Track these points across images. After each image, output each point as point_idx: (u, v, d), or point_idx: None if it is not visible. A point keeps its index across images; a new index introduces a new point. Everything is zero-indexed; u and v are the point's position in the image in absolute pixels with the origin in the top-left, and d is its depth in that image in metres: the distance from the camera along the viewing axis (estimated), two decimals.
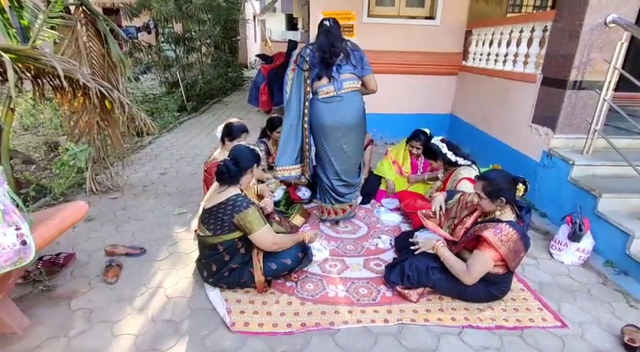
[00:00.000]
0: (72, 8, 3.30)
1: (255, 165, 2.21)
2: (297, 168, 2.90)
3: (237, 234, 2.06)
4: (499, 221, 1.98)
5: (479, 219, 2.15)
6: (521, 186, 1.98)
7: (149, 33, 10.67)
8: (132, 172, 4.11)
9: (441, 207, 2.38)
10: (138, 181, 3.89)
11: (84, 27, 3.27)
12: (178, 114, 7.01)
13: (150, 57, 7.50)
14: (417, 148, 3.42)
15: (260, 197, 2.61)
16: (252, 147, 2.24)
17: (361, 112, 2.75)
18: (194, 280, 2.31)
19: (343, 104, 2.65)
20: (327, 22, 2.71)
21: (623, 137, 3.24)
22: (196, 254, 2.27)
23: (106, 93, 2.84)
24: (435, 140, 2.84)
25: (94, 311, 2.04)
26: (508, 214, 2.02)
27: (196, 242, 2.46)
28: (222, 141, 2.87)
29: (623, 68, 2.85)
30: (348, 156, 2.74)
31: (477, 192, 2.06)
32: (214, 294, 2.15)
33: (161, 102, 7.47)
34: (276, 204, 2.99)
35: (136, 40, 7.46)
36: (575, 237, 2.56)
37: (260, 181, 3.16)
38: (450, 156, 2.74)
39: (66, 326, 1.93)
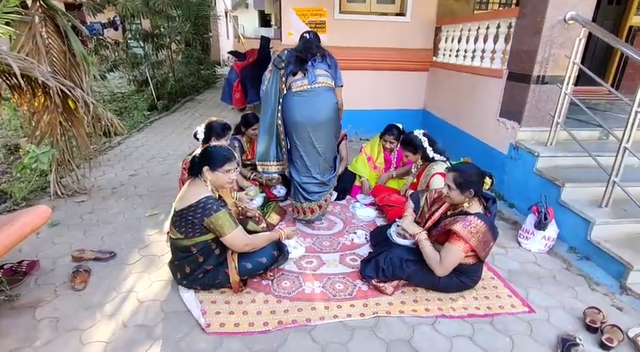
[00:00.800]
0: (29, 3, 3.14)
1: (208, 167, 2.01)
2: (277, 165, 2.92)
3: (210, 236, 2.02)
4: (467, 213, 2.04)
5: (448, 212, 2.21)
6: (488, 180, 2.06)
7: (115, 29, 10.25)
8: (100, 174, 3.96)
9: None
10: (106, 183, 3.75)
11: (42, 23, 3.11)
12: (149, 113, 6.80)
13: (117, 54, 7.22)
14: (390, 142, 3.47)
15: (240, 210, 2.56)
16: (223, 148, 2.14)
17: (333, 109, 2.76)
18: (167, 283, 2.26)
19: (316, 99, 2.67)
20: (307, 35, 2.83)
21: (584, 129, 3.40)
22: (169, 256, 2.22)
23: (68, 91, 2.71)
24: (418, 133, 2.86)
25: (61, 319, 1.96)
26: (476, 206, 2.09)
27: (169, 244, 2.40)
28: (207, 140, 2.79)
29: (582, 63, 2.99)
30: (318, 152, 2.74)
31: (447, 184, 2.10)
32: (188, 296, 2.11)
33: (130, 101, 7.24)
34: None
35: (101, 37, 7.15)
36: (541, 225, 2.68)
37: (240, 188, 3.13)
38: (429, 151, 2.79)
39: (31, 336, 1.84)
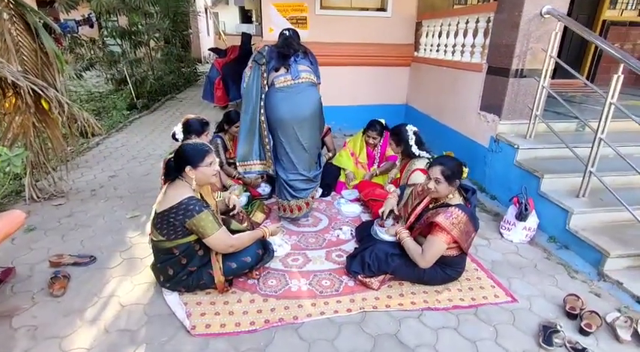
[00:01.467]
0: None
1: (190, 166, 1.94)
2: (260, 164, 2.85)
3: (192, 237, 1.98)
4: (448, 205, 2.07)
5: (430, 205, 2.23)
6: (465, 169, 2.11)
7: (91, 27, 9.97)
8: (78, 176, 3.85)
9: (392, 209, 2.48)
10: (85, 185, 3.64)
11: (11, 20, 2.99)
12: (128, 112, 6.63)
13: (92, 52, 7.01)
14: (373, 138, 3.48)
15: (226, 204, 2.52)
16: (196, 144, 2.07)
17: (317, 104, 2.74)
18: (150, 285, 2.21)
19: (300, 95, 2.64)
20: (286, 32, 2.80)
21: (561, 121, 3.48)
22: (151, 258, 2.17)
23: (40, 91, 2.61)
24: (410, 129, 2.88)
25: (40, 327, 1.89)
26: (456, 198, 2.12)
27: (151, 246, 2.35)
28: (188, 139, 2.73)
29: (558, 57, 3.05)
30: (304, 148, 2.72)
31: (435, 177, 2.10)
32: (172, 298, 2.07)
33: (109, 101, 7.06)
34: None
35: (75, 35, 6.93)
36: (521, 216, 2.73)
37: (224, 187, 3.08)
38: (414, 149, 2.81)
39: (8, 346, 1.78)
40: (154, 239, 2.01)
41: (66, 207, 3.18)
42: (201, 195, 2.10)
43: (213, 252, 2.08)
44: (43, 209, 3.13)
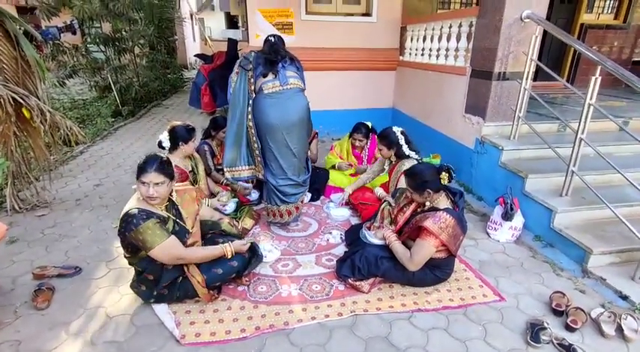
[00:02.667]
0: None
1: (139, 177, 1.91)
2: (249, 170, 2.82)
3: (144, 253, 1.88)
4: (436, 209, 2.09)
5: (418, 209, 2.26)
6: (444, 175, 2.10)
7: (74, 33, 9.81)
8: (62, 185, 3.77)
9: (389, 203, 2.51)
10: (69, 195, 3.57)
11: None
12: (113, 120, 6.54)
13: (75, 59, 6.90)
14: (359, 141, 3.53)
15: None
16: (156, 155, 2.02)
17: (305, 110, 2.76)
18: (138, 296, 2.17)
19: (288, 101, 2.65)
20: (271, 38, 2.79)
21: (543, 122, 3.56)
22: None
23: (21, 100, 2.56)
24: (396, 129, 2.88)
25: (23, 341, 1.84)
26: (444, 202, 2.14)
27: None
28: (175, 146, 2.72)
29: (540, 60, 3.13)
30: (293, 153, 2.72)
31: (407, 187, 2.17)
32: (161, 308, 2.04)
33: (93, 108, 6.94)
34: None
35: (58, 42, 6.81)
36: (507, 216, 2.78)
37: (212, 194, 3.06)
38: (405, 148, 2.82)
39: None
40: (125, 255, 2.00)
41: (49, 218, 3.11)
42: (172, 201, 2.06)
43: (186, 269, 2.00)
44: (26, 220, 3.06)
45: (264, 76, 2.66)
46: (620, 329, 1.91)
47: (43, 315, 2.02)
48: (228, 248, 2.08)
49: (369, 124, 3.52)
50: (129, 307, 2.09)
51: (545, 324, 1.90)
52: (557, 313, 2.05)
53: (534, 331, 1.87)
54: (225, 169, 2.82)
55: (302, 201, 2.94)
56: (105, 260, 2.53)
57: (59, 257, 2.56)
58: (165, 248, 1.86)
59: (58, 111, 3.04)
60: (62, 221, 3.06)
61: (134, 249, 1.91)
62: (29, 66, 3.00)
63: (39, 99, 2.88)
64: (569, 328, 1.94)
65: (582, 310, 1.99)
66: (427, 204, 2.16)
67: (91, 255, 2.59)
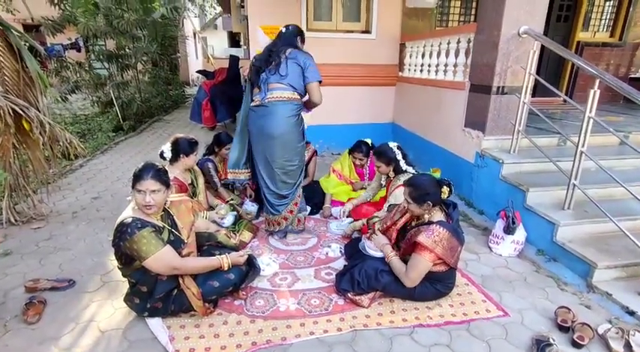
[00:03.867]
0: None
1: (134, 185, 1.89)
2: (245, 173, 2.94)
3: (138, 264, 1.84)
4: (430, 222, 2.06)
5: (412, 222, 2.23)
6: (445, 189, 2.08)
7: (78, 51, 9.95)
8: (59, 198, 3.74)
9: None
10: (67, 208, 3.54)
11: None
12: (114, 134, 6.57)
13: (79, 75, 6.99)
14: (359, 159, 3.52)
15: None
16: (152, 163, 1.98)
17: (287, 123, 2.64)
18: (132, 310, 2.11)
19: (267, 115, 2.64)
20: (283, 29, 2.79)
21: (543, 136, 3.56)
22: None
23: (21, 111, 2.57)
24: (392, 145, 2.87)
25: None
26: (437, 214, 2.12)
27: None
28: (176, 158, 2.74)
29: (539, 75, 3.15)
30: (271, 166, 2.71)
31: (405, 198, 2.15)
32: (155, 322, 1.98)
33: (94, 123, 7.00)
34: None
35: (62, 58, 6.91)
36: (509, 230, 2.74)
37: (210, 207, 3.03)
38: (402, 163, 2.81)
39: None
40: (118, 266, 1.96)
41: (45, 230, 3.07)
42: (168, 211, 2.04)
43: (180, 281, 1.96)
44: (21, 232, 3.02)
45: (258, 87, 2.73)
46: (628, 346, 1.85)
47: (34, 329, 1.96)
48: (225, 259, 2.03)
49: (370, 141, 3.52)
50: (122, 321, 2.03)
51: (552, 340, 1.83)
52: (563, 329, 1.99)
53: (540, 347, 1.81)
54: (228, 170, 2.95)
55: (291, 212, 2.85)
56: (99, 273, 2.48)
57: (53, 270, 2.51)
58: (160, 258, 1.81)
59: (58, 124, 3.04)
60: (58, 233, 3.02)
61: (128, 260, 1.87)
62: (31, 79, 3.03)
63: (39, 112, 2.88)
64: (575, 344, 1.87)
65: (589, 326, 1.93)
66: (426, 217, 2.13)
67: (86, 268, 2.54)
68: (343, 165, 3.65)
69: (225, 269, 2.03)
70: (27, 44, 3.15)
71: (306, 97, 2.77)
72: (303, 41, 2.88)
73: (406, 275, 2.05)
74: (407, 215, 2.26)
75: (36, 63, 2.98)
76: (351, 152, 3.57)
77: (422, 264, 2.01)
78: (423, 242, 1.98)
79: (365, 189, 3.46)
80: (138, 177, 1.89)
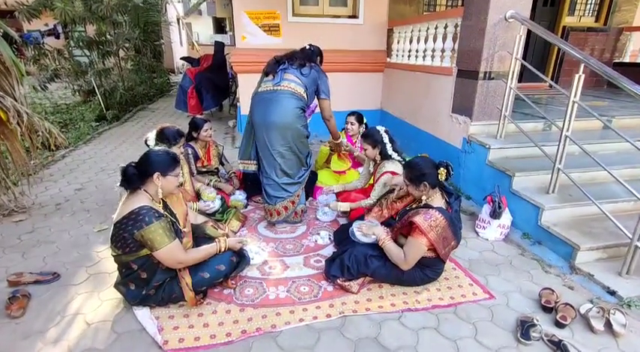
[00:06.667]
0: None
1: (159, 173, 1.88)
2: (254, 164, 2.95)
3: (145, 251, 1.84)
4: (430, 207, 2.06)
5: (413, 205, 2.24)
6: (442, 170, 2.07)
7: (57, 38, 9.63)
8: (41, 190, 3.65)
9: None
10: (49, 199, 3.46)
11: None
12: (97, 124, 6.41)
13: (58, 63, 6.76)
14: (351, 123, 3.63)
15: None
16: (167, 151, 2.00)
17: (292, 114, 2.67)
18: (119, 301, 2.09)
19: (274, 101, 2.64)
20: (307, 46, 3.00)
21: (529, 121, 3.59)
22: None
23: None
24: (380, 129, 2.86)
25: None
26: (438, 200, 2.11)
27: None
28: None
29: (526, 60, 3.15)
30: (272, 155, 2.71)
31: (404, 180, 2.15)
32: (143, 313, 1.96)
33: (76, 112, 6.81)
34: (213, 213, 2.85)
35: (39, 45, 6.66)
36: (495, 214, 2.78)
37: (197, 197, 2.99)
38: (389, 148, 2.80)
39: None
40: (113, 253, 1.91)
41: (27, 223, 3.00)
42: (165, 202, 2.01)
43: (178, 269, 1.96)
44: (2, 226, 2.94)
45: (267, 74, 2.79)
46: (609, 325, 1.91)
47: (18, 324, 1.92)
48: (222, 244, 2.06)
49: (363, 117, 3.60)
50: (109, 313, 2.01)
51: (535, 321, 1.88)
52: (547, 310, 2.04)
53: (524, 328, 1.85)
54: (238, 160, 3.01)
55: (286, 208, 2.85)
56: (85, 265, 2.44)
57: (37, 263, 2.46)
58: (171, 250, 1.83)
59: (37, 114, 2.94)
60: (41, 226, 2.95)
61: (135, 247, 1.83)
62: (5, 67, 2.91)
63: (16, 101, 2.78)
64: (558, 324, 1.93)
65: (571, 306, 1.98)
66: (423, 199, 2.13)
67: (71, 260, 2.49)
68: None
69: (223, 250, 2.06)
70: (1, 31, 3.02)
71: (312, 106, 2.98)
72: (322, 62, 3.10)
73: (404, 259, 2.05)
74: (408, 198, 2.29)
75: (10, 50, 2.85)
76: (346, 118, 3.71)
77: (418, 248, 2.02)
78: (419, 223, 1.97)
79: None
80: (177, 161, 1.97)
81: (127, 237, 1.79)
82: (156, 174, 1.88)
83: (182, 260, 1.91)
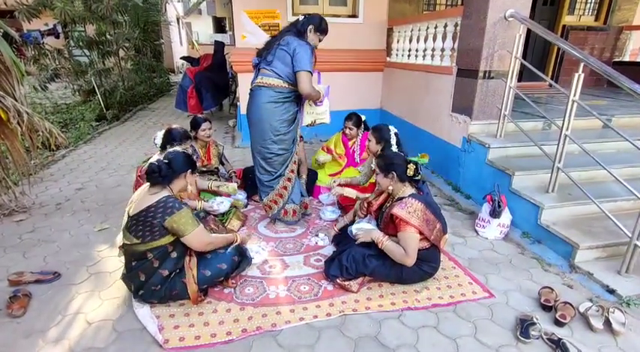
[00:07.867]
0: None
1: (190, 170, 2.09)
2: None
3: (168, 239, 1.92)
4: (403, 198, 2.14)
5: (387, 203, 2.32)
6: (412, 165, 2.15)
7: (57, 37, 9.62)
8: (42, 190, 3.66)
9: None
10: (50, 199, 3.46)
11: None
12: (97, 123, 6.42)
13: (58, 63, 6.76)
14: (349, 128, 3.59)
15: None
16: (188, 152, 2.18)
17: (262, 108, 2.62)
18: (120, 300, 2.10)
19: (251, 97, 2.72)
20: (302, 17, 2.79)
21: (529, 120, 3.59)
22: (121, 272, 2.07)
23: None
24: (392, 129, 2.90)
25: None
26: (409, 190, 2.19)
27: (122, 258, 2.25)
28: (164, 147, 2.75)
29: (526, 59, 3.15)
30: (254, 151, 2.80)
31: (374, 168, 2.28)
32: (143, 312, 1.97)
33: (76, 112, 6.81)
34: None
35: (39, 44, 6.65)
36: (495, 213, 2.78)
37: (199, 194, 3.01)
38: (393, 148, 2.81)
39: None
40: (128, 242, 1.93)
41: (28, 223, 3.00)
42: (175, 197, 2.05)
43: (187, 259, 2.01)
44: (2, 226, 2.95)
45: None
46: (608, 323, 1.91)
47: (19, 323, 1.93)
48: (239, 235, 2.27)
49: (363, 117, 3.57)
50: (110, 312, 2.02)
51: (535, 319, 1.89)
52: (546, 308, 2.05)
53: (524, 326, 1.86)
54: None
55: (275, 202, 2.84)
56: (86, 264, 2.45)
57: (37, 263, 2.47)
58: (199, 234, 1.97)
59: (37, 113, 2.95)
60: (41, 226, 2.96)
61: (161, 234, 1.89)
62: (6, 67, 2.91)
63: (16, 100, 2.78)
64: (558, 323, 1.93)
65: (571, 305, 1.99)
66: (391, 190, 2.23)
67: (71, 259, 2.50)
68: (330, 141, 3.78)
69: (238, 243, 2.23)
70: (1, 30, 3.02)
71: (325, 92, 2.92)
72: (318, 31, 2.76)
73: (406, 254, 2.05)
74: (383, 196, 2.35)
75: (11, 50, 2.85)
76: (344, 122, 3.67)
77: (411, 239, 2.03)
78: (398, 213, 2.04)
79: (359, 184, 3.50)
80: (195, 165, 2.16)
81: (155, 223, 1.86)
82: (188, 172, 2.07)
83: (210, 241, 2.06)
